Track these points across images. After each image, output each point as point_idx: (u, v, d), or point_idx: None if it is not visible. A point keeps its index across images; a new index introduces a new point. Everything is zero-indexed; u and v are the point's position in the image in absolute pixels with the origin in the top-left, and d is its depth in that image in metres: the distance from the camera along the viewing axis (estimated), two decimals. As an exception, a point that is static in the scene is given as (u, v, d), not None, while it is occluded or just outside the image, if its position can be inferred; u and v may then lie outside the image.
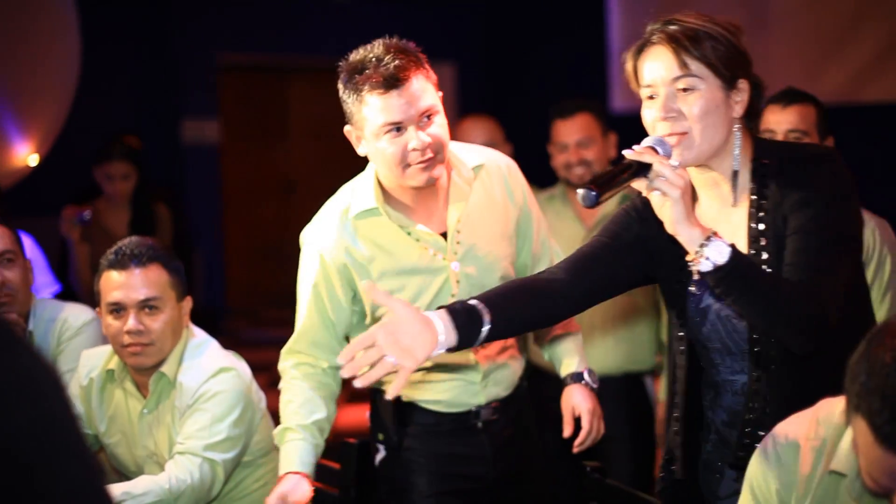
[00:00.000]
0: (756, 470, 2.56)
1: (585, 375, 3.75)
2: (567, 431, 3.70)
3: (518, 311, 3.05)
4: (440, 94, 3.60)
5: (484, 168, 3.74)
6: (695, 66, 2.93)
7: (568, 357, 3.81)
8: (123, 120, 10.74)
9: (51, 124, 8.55)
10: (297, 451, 3.46)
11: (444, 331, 2.82)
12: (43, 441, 1.58)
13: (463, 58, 12.47)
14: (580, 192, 2.79)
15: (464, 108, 11.95)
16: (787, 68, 8.54)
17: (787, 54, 8.75)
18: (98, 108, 10.49)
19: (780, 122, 4.59)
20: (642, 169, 2.83)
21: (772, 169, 2.98)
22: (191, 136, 12.07)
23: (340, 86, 3.55)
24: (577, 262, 3.16)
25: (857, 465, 2.26)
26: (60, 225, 6.58)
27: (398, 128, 3.46)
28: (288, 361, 3.64)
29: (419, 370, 3.48)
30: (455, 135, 5.96)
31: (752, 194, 2.99)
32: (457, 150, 3.73)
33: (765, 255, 2.95)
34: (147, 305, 3.56)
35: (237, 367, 3.66)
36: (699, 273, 2.82)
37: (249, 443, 3.68)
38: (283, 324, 4.09)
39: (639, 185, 2.85)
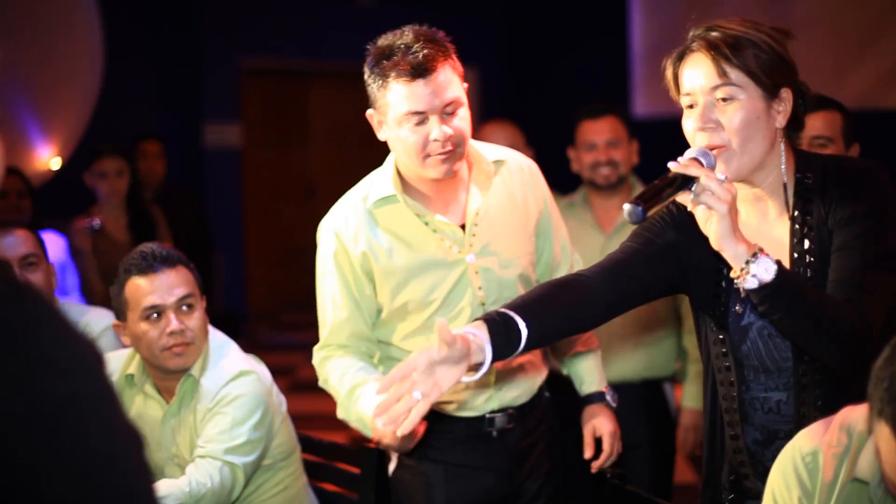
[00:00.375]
0: (778, 477, 2.53)
1: (607, 395, 3.75)
2: (588, 453, 3.69)
3: (553, 322, 2.94)
4: (465, 86, 3.56)
5: (505, 165, 3.71)
6: (734, 74, 2.83)
7: (588, 375, 3.79)
8: (146, 123, 10.76)
9: (73, 128, 8.58)
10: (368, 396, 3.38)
11: (485, 358, 2.73)
12: (72, 415, 1.62)
13: (485, 62, 12.46)
14: (626, 207, 2.67)
15: (486, 112, 11.94)
16: (810, 75, 8.48)
17: (811, 61, 8.71)
18: (121, 111, 10.53)
19: (805, 127, 4.57)
20: (687, 182, 2.72)
21: (815, 184, 2.88)
22: (212, 139, 12.10)
23: (366, 69, 3.52)
24: (612, 268, 3.04)
25: (880, 473, 2.25)
26: (73, 237, 6.43)
27: (421, 117, 3.44)
28: (321, 353, 3.61)
29: None
30: (477, 139, 5.97)
31: (795, 210, 2.90)
32: (478, 146, 3.70)
33: (808, 273, 2.86)
34: (184, 304, 3.57)
35: (257, 371, 3.65)
36: (744, 290, 2.72)
37: (269, 446, 3.67)
38: (303, 327, 4.10)
39: (683, 198, 2.75)
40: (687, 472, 6.81)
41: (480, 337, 2.75)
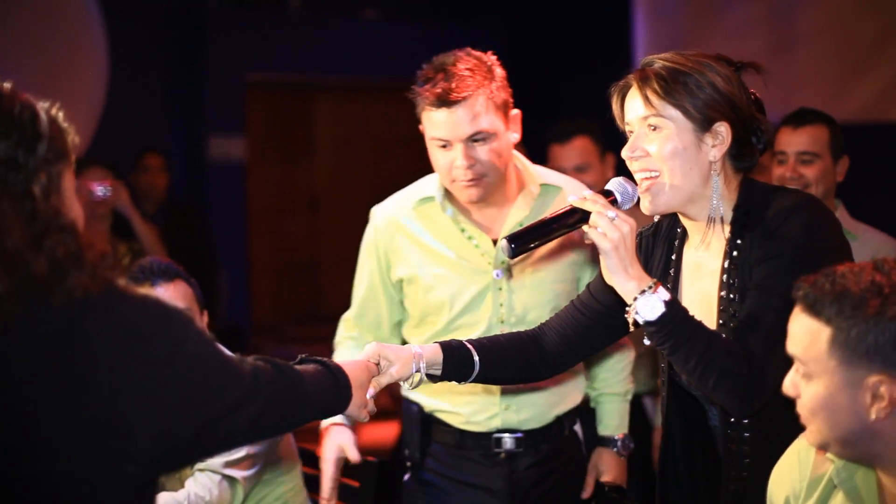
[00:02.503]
0: (776, 471, 2.58)
1: (618, 443, 3.78)
2: (586, 494, 3.73)
3: (505, 371, 3.16)
4: (516, 113, 3.61)
5: (561, 192, 3.71)
6: (661, 106, 2.87)
7: (609, 418, 3.82)
8: (150, 136, 10.77)
9: (77, 142, 8.58)
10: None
11: (432, 353, 3.00)
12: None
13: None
14: (502, 244, 2.80)
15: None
16: (812, 88, 8.52)
17: (813, 73, 8.74)
18: (125, 124, 10.53)
19: (790, 143, 4.56)
20: (587, 216, 2.78)
21: (747, 219, 2.89)
22: (217, 152, 12.11)
23: (414, 90, 3.59)
24: (568, 329, 3.17)
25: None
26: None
27: (447, 143, 3.50)
28: (342, 332, 3.84)
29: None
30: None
31: (729, 245, 2.90)
32: (535, 169, 3.74)
33: (731, 310, 2.87)
34: None
35: None
36: (633, 325, 2.78)
37: (270, 460, 3.66)
38: (307, 341, 4.12)
39: (586, 228, 2.79)
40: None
41: (426, 355, 2.99)
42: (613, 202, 2.87)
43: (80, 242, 2.20)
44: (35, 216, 2.16)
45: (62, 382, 2.09)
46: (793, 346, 2.34)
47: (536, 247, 2.87)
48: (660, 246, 3.10)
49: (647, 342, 2.80)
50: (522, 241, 2.81)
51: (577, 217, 2.79)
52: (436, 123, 3.51)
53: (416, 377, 2.98)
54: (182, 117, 12.10)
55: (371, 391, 2.85)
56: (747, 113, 2.91)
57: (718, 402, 2.85)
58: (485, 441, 3.66)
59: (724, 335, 2.81)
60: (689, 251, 3.02)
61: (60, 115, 2.31)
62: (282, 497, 3.72)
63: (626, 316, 2.77)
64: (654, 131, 2.88)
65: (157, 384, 2.15)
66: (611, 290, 2.91)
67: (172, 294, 3.55)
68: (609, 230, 2.73)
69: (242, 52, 12.24)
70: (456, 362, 3.03)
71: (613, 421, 3.81)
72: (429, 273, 3.65)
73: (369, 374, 2.88)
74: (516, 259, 3.53)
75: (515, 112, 3.63)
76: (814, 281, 2.32)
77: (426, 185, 3.73)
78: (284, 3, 12.60)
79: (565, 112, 11.19)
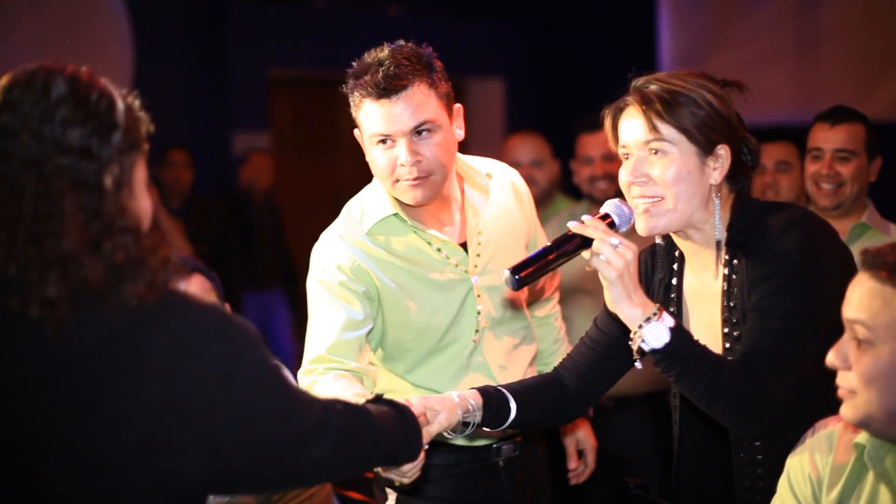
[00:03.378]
0: (794, 457, 2.57)
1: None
2: (573, 464, 3.70)
3: (538, 414, 3.16)
4: (458, 106, 3.39)
5: (493, 179, 3.55)
6: (666, 130, 2.83)
7: None
8: (175, 131, 10.79)
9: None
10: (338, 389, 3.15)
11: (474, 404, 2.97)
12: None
13: (511, 73, 12.45)
14: (505, 275, 2.74)
15: (512, 124, 11.93)
16: (838, 86, 8.50)
17: (839, 72, 8.72)
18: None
19: (827, 140, 4.54)
20: (588, 241, 2.74)
21: (741, 238, 2.85)
22: (241, 148, 12.12)
23: (346, 87, 3.39)
24: (577, 364, 3.18)
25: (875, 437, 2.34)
26: None
27: (388, 139, 3.28)
28: (307, 378, 3.31)
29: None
30: (502, 151, 5.96)
31: (727, 266, 2.88)
32: (468, 159, 3.56)
33: (736, 333, 2.84)
34: None
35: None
36: (637, 352, 2.74)
37: None
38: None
39: (586, 254, 2.75)
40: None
41: (471, 402, 2.97)
42: (611, 225, 2.82)
43: (142, 246, 2.10)
44: (98, 214, 2.06)
45: (113, 396, 2.03)
46: (857, 312, 2.28)
47: (539, 277, 2.79)
48: (659, 268, 3.07)
49: (638, 365, 2.79)
50: (524, 271, 2.74)
51: (576, 243, 2.74)
52: (374, 117, 3.28)
53: (463, 424, 2.95)
54: (206, 113, 12.12)
55: (423, 443, 2.77)
56: (741, 133, 2.89)
57: (727, 426, 2.83)
58: (483, 453, 3.52)
59: (729, 358, 2.78)
60: (688, 274, 2.99)
61: (136, 103, 2.24)
62: (307, 488, 3.67)
63: (630, 344, 2.74)
64: (655, 155, 2.84)
65: (209, 404, 2.07)
66: (617, 321, 2.89)
67: (191, 289, 3.54)
68: (613, 258, 2.68)
69: (267, 48, 12.24)
70: (494, 407, 3.01)
71: None
72: (408, 296, 3.39)
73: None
74: (486, 260, 3.45)
75: (458, 105, 3.41)
76: (886, 248, 2.29)
77: (374, 207, 3.43)
78: (309, -1, 12.62)
79: (587, 111, 11.20)
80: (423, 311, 3.40)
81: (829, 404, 2.45)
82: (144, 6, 10.11)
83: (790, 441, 2.66)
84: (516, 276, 2.71)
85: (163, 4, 11.50)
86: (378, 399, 2.62)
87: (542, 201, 5.93)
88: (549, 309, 3.84)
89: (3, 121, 2.08)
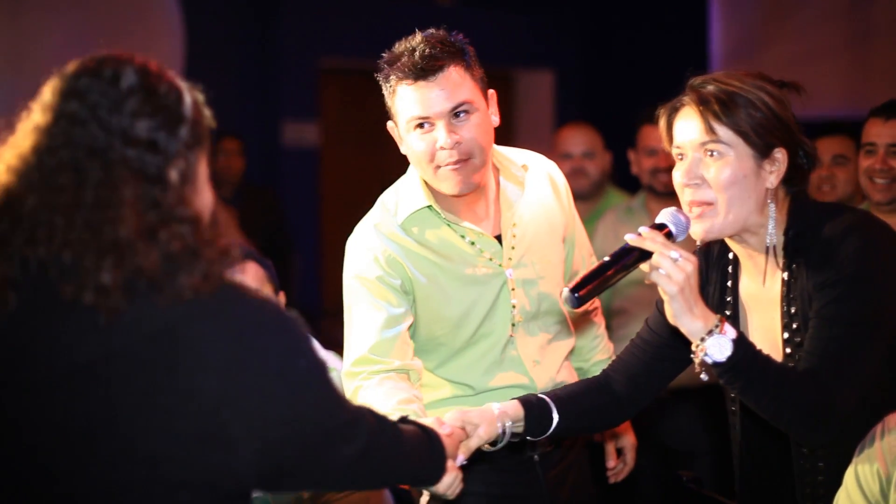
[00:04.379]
0: (863, 453, 2.55)
1: None
2: (612, 463, 3.66)
3: (583, 420, 3.14)
4: (492, 92, 3.37)
5: (530, 171, 3.51)
6: (723, 132, 2.77)
7: None
8: (224, 121, 10.79)
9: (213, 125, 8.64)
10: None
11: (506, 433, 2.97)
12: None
13: (561, 64, 12.42)
14: (564, 293, 2.68)
15: (561, 115, 11.90)
16: (889, 81, 8.43)
17: (889, 66, 8.64)
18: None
19: (881, 135, 4.51)
20: (646, 254, 2.66)
21: (800, 242, 2.80)
22: (291, 138, 12.14)
23: (379, 77, 3.36)
24: (634, 374, 3.13)
25: None
26: None
27: (427, 123, 3.24)
28: (353, 382, 3.31)
29: (474, 394, 3.39)
30: (554, 143, 5.96)
31: (785, 272, 2.82)
32: (504, 150, 3.53)
33: (798, 339, 2.79)
34: None
35: (338, 369, 3.63)
36: (700, 365, 2.68)
37: None
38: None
39: (645, 267, 2.68)
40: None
41: (509, 412, 2.96)
42: (668, 235, 2.75)
43: (200, 237, 2.07)
44: (157, 204, 2.04)
45: (166, 388, 2.01)
46: None
47: (599, 293, 2.73)
48: (713, 274, 3.02)
49: (704, 377, 2.72)
50: (584, 289, 2.67)
51: (635, 256, 2.67)
52: (411, 101, 3.24)
53: (504, 435, 2.94)
54: (257, 102, 12.16)
55: (461, 458, 2.78)
56: (798, 136, 2.83)
57: (791, 436, 2.80)
58: (519, 447, 3.42)
59: (792, 367, 2.74)
60: (744, 280, 2.93)
61: (201, 97, 2.23)
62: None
63: (692, 357, 2.67)
64: (711, 157, 2.78)
65: (266, 397, 2.07)
66: (667, 325, 2.82)
67: (246, 277, 3.54)
68: (673, 272, 2.60)
69: (317, 38, 12.26)
70: (536, 417, 3.00)
71: None
72: (440, 290, 3.37)
73: (456, 441, 2.79)
74: (520, 253, 3.39)
75: (492, 91, 3.41)
76: None
77: (408, 199, 3.40)
78: (360, -10, 12.63)
79: (636, 104, 11.19)
80: (456, 306, 3.37)
81: (892, 411, 2.44)
82: (196, -4, 10.16)
83: (851, 448, 2.64)
84: (576, 295, 2.66)
85: (214, -6, 11.56)
86: (404, 420, 2.59)
87: (594, 193, 5.92)
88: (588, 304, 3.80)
89: (70, 108, 2.06)
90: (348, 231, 3.45)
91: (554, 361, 3.51)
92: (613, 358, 3.49)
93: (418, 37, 3.32)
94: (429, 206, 3.37)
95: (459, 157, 3.25)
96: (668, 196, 5.07)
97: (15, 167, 2.06)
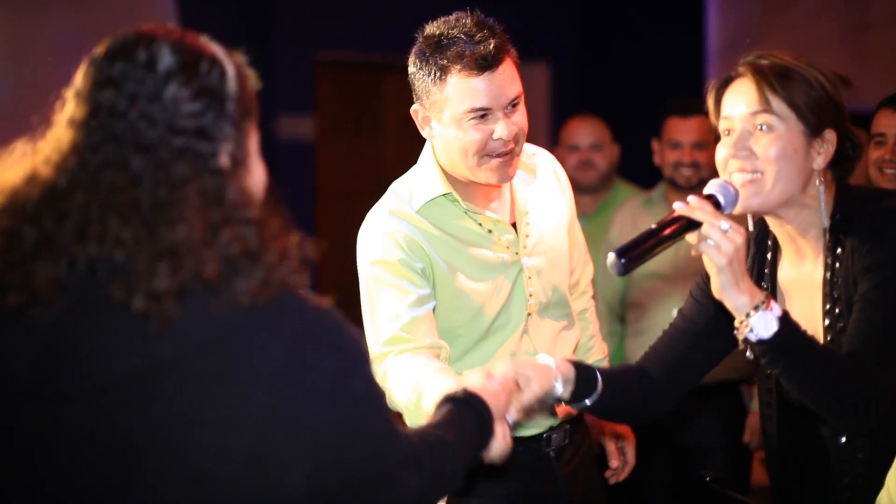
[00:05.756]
0: None
1: None
2: (615, 462, 3.62)
3: (623, 391, 3.02)
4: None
5: (537, 157, 3.50)
6: (777, 104, 2.72)
7: None
8: (220, 115, 10.80)
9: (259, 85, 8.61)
10: (439, 387, 2.89)
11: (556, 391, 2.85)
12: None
13: (557, 56, 12.39)
14: (610, 259, 2.58)
15: (557, 109, 11.88)
16: (888, 73, 8.41)
17: (889, 58, 8.62)
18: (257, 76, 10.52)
19: (890, 125, 4.51)
20: (693, 224, 2.59)
21: (847, 226, 2.74)
22: (286, 131, 12.12)
23: (416, 59, 3.29)
24: (661, 356, 3.05)
25: None
26: None
27: (487, 114, 3.20)
28: (381, 364, 3.23)
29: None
30: (561, 135, 5.93)
31: (828, 255, 2.77)
32: None
33: (840, 325, 2.73)
34: None
35: None
36: (743, 342, 2.63)
37: None
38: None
39: (691, 238, 2.61)
40: (761, 474, 6.72)
41: (561, 369, 2.86)
42: (716, 206, 2.68)
43: (262, 237, 1.93)
44: (219, 200, 1.89)
45: (216, 401, 1.87)
46: None
47: (644, 261, 2.62)
48: (751, 255, 2.95)
49: (749, 355, 2.66)
50: (630, 254, 2.57)
51: (682, 225, 2.59)
52: (474, 92, 3.17)
53: (556, 392, 2.85)
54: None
55: (513, 414, 2.64)
56: (848, 122, 2.80)
57: (831, 421, 2.74)
58: (534, 444, 3.43)
59: (834, 350, 2.69)
60: (784, 263, 2.87)
61: (243, 59, 2.10)
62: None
63: (735, 333, 2.62)
64: (761, 131, 2.72)
65: (316, 419, 1.92)
66: (704, 310, 2.81)
67: None
68: (723, 243, 2.54)
69: (312, 31, 12.23)
70: (584, 378, 2.90)
71: None
72: (460, 278, 3.30)
73: (508, 397, 2.63)
74: (534, 241, 3.34)
75: None
76: None
77: (423, 186, 3.33)
78: (356, -18, 12.60)
79: (636, 91, 11.16)
80: (475, 294, 3.32)
81: None
82: (190, -11, 10.12)
83: (892, 438, 2.61)
84: (622, 260, 2.56)
85: (209, -13, 11.53)
86: (455, 399, 2.44)
87: (602, 186, 5.87)
88: (585, 303, 3.76)
89: (106, 98, 1.91)
90: (344, 225, 3.42)
91: (565, 353, 3.48)
92: (611, 358, 3.48)
93: (469, 21, 3.29)
94: (445, 195, 3.32)
95: (512, 148, 3.23)
96: (689, 190, 5.03)
97: (56, 162, 1.91)
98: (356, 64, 12.90)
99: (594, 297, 3.83)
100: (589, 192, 5.87)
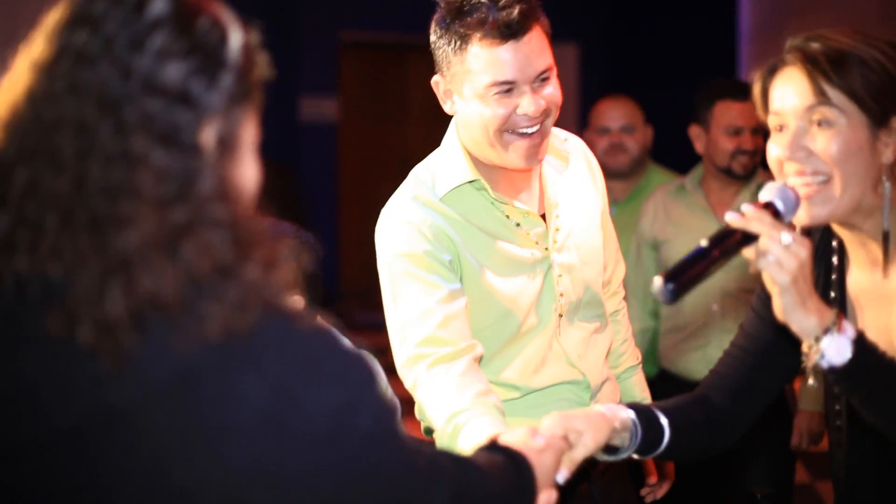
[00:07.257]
0: None
1: None
2: (653, 479, 3.39)
3: (690, 428, 2.63)
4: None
5: (569, 142, 3.20)
6: (835, 95, 2.32)
7: (637, 389, 3.38)
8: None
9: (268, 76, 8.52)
10: (479, 428, 2.64)
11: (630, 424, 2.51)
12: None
13: (586, 37, 12.23)
14: (656, 285, 2.18)
15: (586, 90, 11.72)
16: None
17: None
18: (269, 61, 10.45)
19: None
20: (750, 237, 2.21)
21: None
22: (309, 113, 12.00)
23: (436, 28, 2.95)
24: (724, 379, 2.66)
25: None
26: None
27: (513, 88, 2.91)
28: (412, 373, 2.91)
29: (521, 396, 3.05)
30: (591, 117, 5.71)
31: None
32: None
33: None
34: None
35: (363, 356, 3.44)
36: (811, 369, 2.26)
37: None
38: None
39: (748, 253, 2.22)
40: (802, 473, 6.52)
41: (618, 416, 2.50)
42: (774, 215, 2.29)
43: (240, 244, 1.52)
44: (185, 194, 1.50)
45: (182, 460, 1.50)
46: None
47: (696, 285, 2.24)
48: (814, 266, 2.51)
49: (811, 382, 2.38)
50: (680, 280, 2.19)
51: (737, 240, 2.21)
52: (499, 62, 2.85)
53: (617, 442, 2.50)
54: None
55: (564, 474, 2.31)
56: None
57: None
58: (575, 479, 3.16)
59: None
60: (853, 272, 2.53)
61: (255, 38, 1.71)
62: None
63: (804, 359, 2.26)
64: (818, 126, 2.35)
65: (313, 467, 1.57)
66: (768, 326, 2.52)
67: None
68: (785, 259, 2.18)
69: (336, 11, 12.11)
70: (646, 424, 2.53)
71: (640, 392, 3.34)
72: (488, 273, 3.00)
73: (556, 456, 2.26)
74: (564, 235, 3.07)
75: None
76: None
77: (447, 172, 3.03)
78: (380, -38, 12.46)
79: (667, 73, 10.99)
80: (503, 293, 3.01)
81: None
82: (213, -33, 9.99)
83: None
84: (670, 286, 2.18)
85: (232, -34, 11.40)
86: (492, 447, 2.11)
87: (634, 171, 5.62)
88: (617, 304, 3.49)
89: (78, 40, 1.53)
90: (367, 209, 3.19)
91: (598, 357, 3.17)
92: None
93: None
94: (472, 181, 3.01)
95: (540, 125, 2.92)
96: (739, 179, 4.80)
97: (5, 120, 1.54)
98: (381, 45, 12.77)
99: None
100: (620, 177, 5.63)
